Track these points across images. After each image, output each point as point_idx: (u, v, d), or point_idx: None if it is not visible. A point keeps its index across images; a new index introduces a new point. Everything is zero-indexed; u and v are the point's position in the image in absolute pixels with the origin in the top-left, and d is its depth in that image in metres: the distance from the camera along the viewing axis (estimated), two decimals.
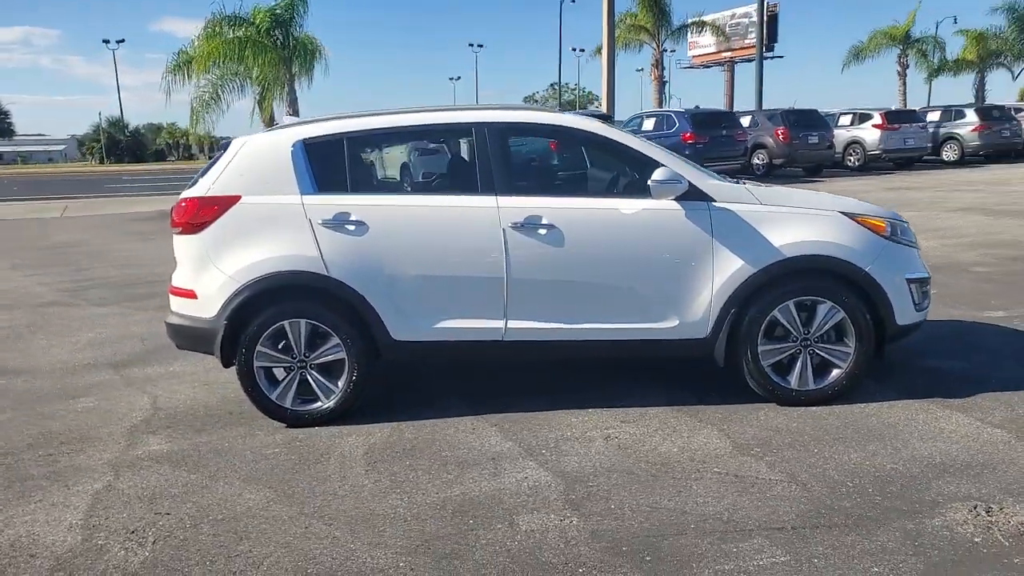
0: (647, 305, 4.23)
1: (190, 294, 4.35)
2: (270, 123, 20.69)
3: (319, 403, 4.30)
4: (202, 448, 4.07)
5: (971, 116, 24.49)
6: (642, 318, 4.23)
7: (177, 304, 4.45)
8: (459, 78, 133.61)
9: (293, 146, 4.32)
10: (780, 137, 20.53)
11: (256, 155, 4.37)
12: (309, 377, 4.30)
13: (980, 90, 33.41)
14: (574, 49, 78.75)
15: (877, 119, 22.62)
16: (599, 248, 4.19)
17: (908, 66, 32.39)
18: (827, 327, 4.22)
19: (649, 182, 4.08)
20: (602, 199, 4.29)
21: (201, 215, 4.29)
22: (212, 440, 4.17)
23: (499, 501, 3.31)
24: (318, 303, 4.25)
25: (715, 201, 4.20)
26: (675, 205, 4.17)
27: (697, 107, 21.62)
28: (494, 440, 3.98)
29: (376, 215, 4.21)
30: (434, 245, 4.21)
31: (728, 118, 20.31)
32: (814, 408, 4.20)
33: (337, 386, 4.28)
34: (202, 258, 4.29)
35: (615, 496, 3.30)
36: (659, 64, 28.80)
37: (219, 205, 4.28)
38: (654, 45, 28.75)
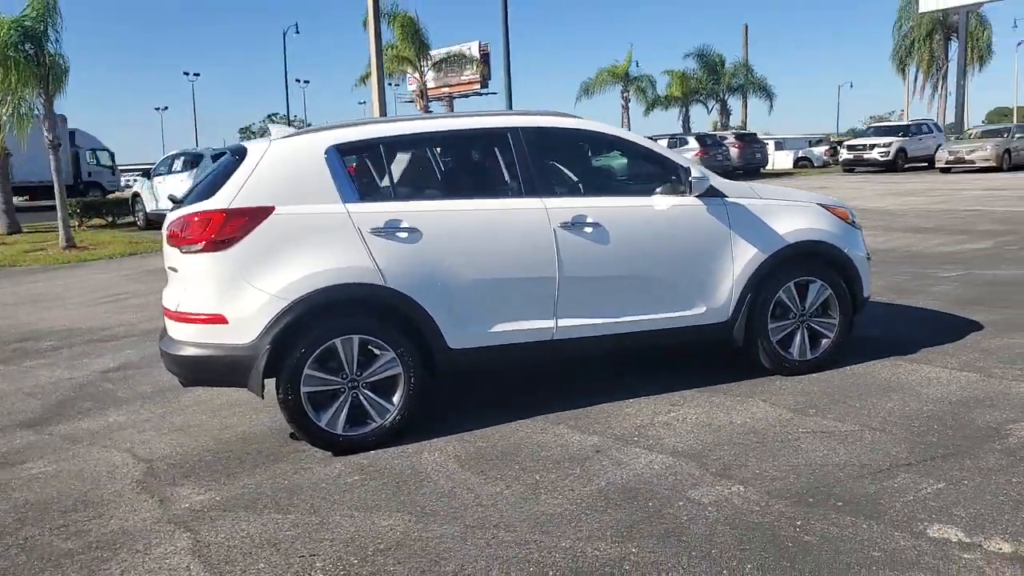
0: (679, 294, 4.53)
1: (216, 319, 3.82)
2: (3, 152, 17.82)
3: (372, 424, 3.99)
4: (262, 489, 3.59)
5: (693, 143, 28.32)
6: (675, 307, 4.52)
7: (194, 332, 3.88)
8: (167, 108, 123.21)
9: (326, 152, 4.01)
10: None
11: (285, 162, 3.98)
12: (362, 397, 3.99)
13: (686, 122, 38.67)
14: (298, 80, 77.00)
15: None
16: (638, 243, 4.42)
17: (630, 100, 36.58)
18: (818, 303, 4.83)
19: (691, 178, 4.41)
20: (635, 197, 4.52)
21: (227, 229, 3.81)
22: (264, 480, 3.69)
23: (652, 483, 3.39)
24: (373, 316, 3.98)
25: (727, 197, 4.63)
26: (698, 201, 4.53)
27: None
28: (576, 436, 4.01)
29: (428, 221, 4.04)
30: (488, 249, 4.15)
31: None
32: (814, 375, 4.77)
33: (392, 403, 4.02)
34: (233, 277, 3.80)
35: (750, 463, 3.54)
36: (423, 95, 29.45)
37: (249, 217, 3.83)
38: (417, 76, 29.37)
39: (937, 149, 28.69)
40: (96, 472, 3.93)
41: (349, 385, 3.96)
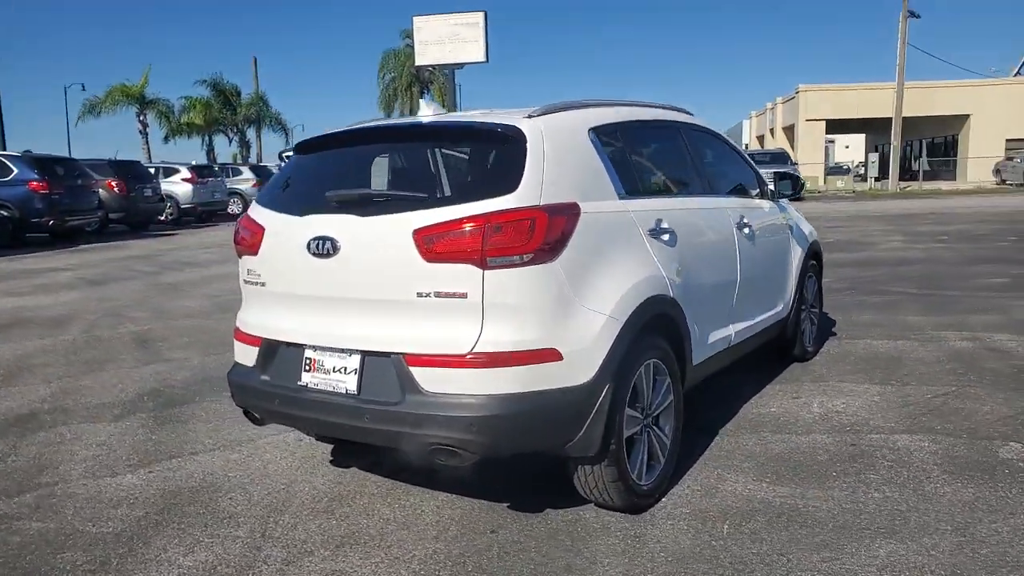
0: (776, 292, 4.74)
1: (549, 355, 2.73)
2: None
3: (658, 467, 3.30)
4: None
5: (247, 173, 26.99)
6: (773, 304, 4.71)
7: (508, 379, 2.68)
8: None
9: (590, 135, 3.17)
10: (117, 190, 18.57)
11: (564, 146, 3.03)
12: (652, 435, 3.26)
13: (211, 151, 36.51)
14: None
15: (186, 173, 22.71)
16: (766, 243, 4.50)
17: (148, 124, 32.85)
18: (813, 295, 5.52)
19: (790, 181, 4.67)
20: (751, 199, 4.56)
21: (552, 234, 2.76)
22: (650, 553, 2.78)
23: (964, 457, 3.59)
24: (662, 334, 3.27)
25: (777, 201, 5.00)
26: (775, 205, 4.81)
27: (28, 151, 17.32)
28: (798, 438, 3.90)
29: (678, 220, 3.50)
30: (712, 252, 3.83)
31: (76, 165, 17.28)
32: (818, 359, 5.42)
33: (668, 437, 3.36)
34: (562, 296, 2.77)
35: (966, 425, 3.99)
36: None
37: (568, 217, 2.84)
38: None
39: None
40: None
41: (646, 422, 3.20)
